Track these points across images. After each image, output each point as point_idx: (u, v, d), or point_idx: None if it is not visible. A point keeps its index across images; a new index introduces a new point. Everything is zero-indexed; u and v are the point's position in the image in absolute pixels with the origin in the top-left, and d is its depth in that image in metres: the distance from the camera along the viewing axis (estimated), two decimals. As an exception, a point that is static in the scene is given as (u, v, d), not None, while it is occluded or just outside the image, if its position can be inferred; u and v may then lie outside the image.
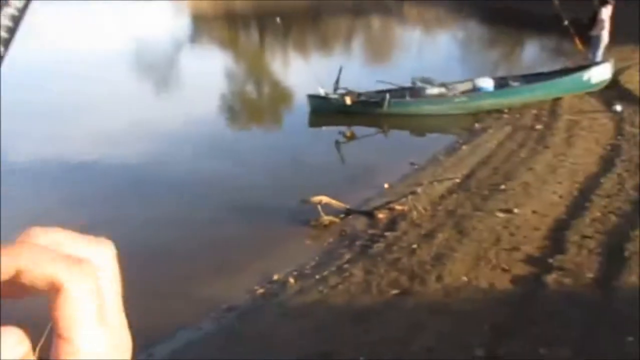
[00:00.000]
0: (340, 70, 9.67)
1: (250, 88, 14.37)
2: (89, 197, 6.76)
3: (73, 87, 11.84)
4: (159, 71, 14.95)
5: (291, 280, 4.67)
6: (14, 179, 7.10)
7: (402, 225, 5.39)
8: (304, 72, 14.16)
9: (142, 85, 13.36)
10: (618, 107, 8.48)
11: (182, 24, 25.35)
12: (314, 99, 9.66)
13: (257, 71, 15.70)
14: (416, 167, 7.39)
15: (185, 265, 5.12)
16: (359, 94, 9.56)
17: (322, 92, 9.60)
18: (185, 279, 4.89)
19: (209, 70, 14.73)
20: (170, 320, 4.27)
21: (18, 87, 11.32)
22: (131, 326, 0.29)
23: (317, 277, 4.65)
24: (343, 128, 9.19)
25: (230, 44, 20.20)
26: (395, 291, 4.23)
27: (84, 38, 18.90)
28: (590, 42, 10.36)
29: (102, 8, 24.58)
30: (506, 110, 9.37)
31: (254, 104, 12.59)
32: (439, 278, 4.20)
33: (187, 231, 5.75)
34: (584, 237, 4.54)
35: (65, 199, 6.63)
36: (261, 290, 4.62)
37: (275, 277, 4.77)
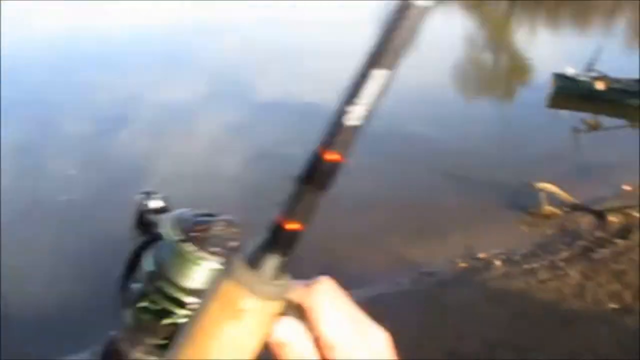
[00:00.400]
0: (597, 51, 8.63)
1: (488, 56, 13.75)
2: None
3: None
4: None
5: (497, 262, 4.48)
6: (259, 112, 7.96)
7: (638, 235, 4.75)
8: (552, 48, 13.02)
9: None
10: None
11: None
12: (559, 78, 8.83)
13: (499, 39, 14.89)
14: (669, 173, 6.36)
15: (390, 219, 5.25)
16: (615, 80, 8.46)
17: (570, 72, 8.72)
18: (388, 233, 5.02)
19: (448, 32, 14.40)
20: (370, 270, 4.46)
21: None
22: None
23: (526, 266, 4.39)
24: (586, 115, 8.28)
25: (475, 7, 19.40)
26: (614, 305, 3.80)
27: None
28: None
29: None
30: None
31: (490, 73, 12.03)
32: (674, 306, 3.63)
33: (397, 187, 5.86)
34: None
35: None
36: (463, 264, 4.53)
37: (481, 254, 4.62)
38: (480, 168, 6.22)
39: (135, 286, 0.67)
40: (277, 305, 0.43)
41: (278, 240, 0.43)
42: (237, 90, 9.09)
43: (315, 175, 0.42)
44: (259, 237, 0.42)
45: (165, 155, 6.78)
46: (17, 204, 5.48)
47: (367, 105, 0.41)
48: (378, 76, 0.41)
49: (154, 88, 9.35)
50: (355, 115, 0.41)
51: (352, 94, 0.41)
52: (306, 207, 0.43)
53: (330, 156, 0.41)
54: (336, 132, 0.41)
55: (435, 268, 4.51)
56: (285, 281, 0.43)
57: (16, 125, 7.50)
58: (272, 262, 0.43)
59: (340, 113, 0.41)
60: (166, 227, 0.67)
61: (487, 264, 4.51)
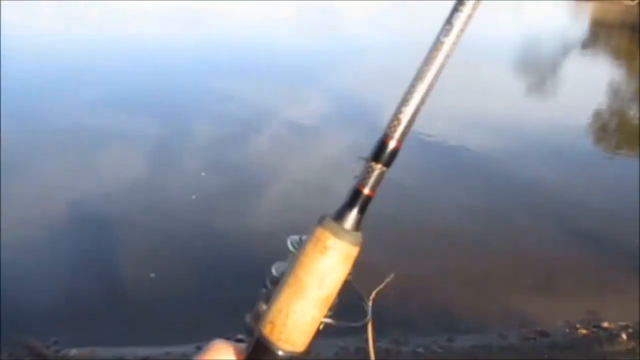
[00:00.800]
0: None
1: (634, 109, 12.72)
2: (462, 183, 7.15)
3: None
4: (540, 71, 14.49)
5: (623, 335, 4.08)
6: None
7: None
8: None
9: (518, 81, 13.22)
10: None
11: (578, 26, 23.81)
12: None
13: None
14: None
15: (512, 271, 5.01)
16: None
17: None
18: (507, 283, 4.80)
19: (592, 81, 13.57)
20: (481, 317, 4.27)
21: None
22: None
23: (657, 346, 3.95)
24: None
25: (627, 56, 18.10)
26: None
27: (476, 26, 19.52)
28: None
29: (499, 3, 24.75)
30: None
31: (633, 128, 11.10)
32: None
33: (524, 238, 5.58)
34: None
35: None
36: (584, 330, 4.18)
37: (605, 324, 4.24)
38: (617, 231, 5.73)
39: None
40: (353, 250, 0.58)
41: (357, 201, 0.58)
42: (362, 115, 9.22)
43: (382, 156, 0.58)
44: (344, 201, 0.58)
45: (284, 169, 7.05)
46: (154, 198, 6.04)
47: (416, 105, 0.57)
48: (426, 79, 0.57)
49: (284, 102, 9.78)
50: (407, 113, 0.56)
51: (407, 92, 0.57)
52: (376, 179, 0.58)
53: (393, 143, 0.58)
54: (396, 125, 0.57)
55: (551, 329, 4.21)
56: (359, 233, 0.59)
57: (160, 128, 8.23)
58: (351, 217, 0.58)
59: (397, 112, 0.57)
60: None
61: (612, 335, 4.12)
